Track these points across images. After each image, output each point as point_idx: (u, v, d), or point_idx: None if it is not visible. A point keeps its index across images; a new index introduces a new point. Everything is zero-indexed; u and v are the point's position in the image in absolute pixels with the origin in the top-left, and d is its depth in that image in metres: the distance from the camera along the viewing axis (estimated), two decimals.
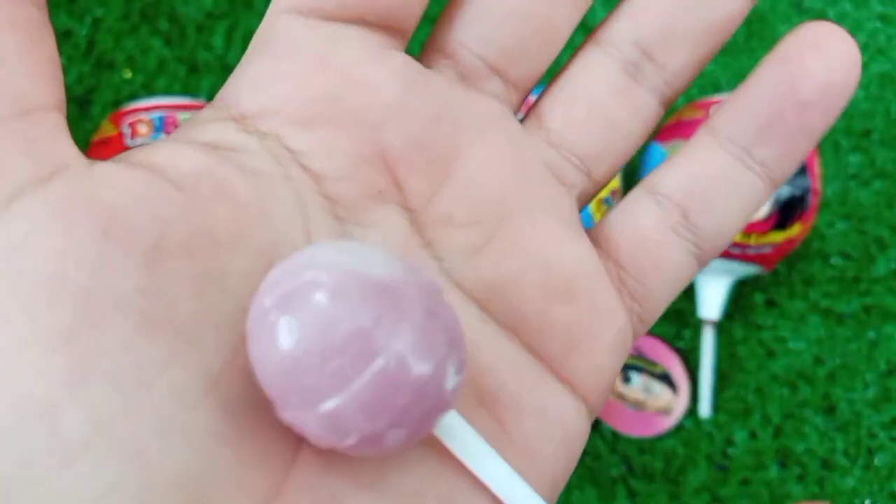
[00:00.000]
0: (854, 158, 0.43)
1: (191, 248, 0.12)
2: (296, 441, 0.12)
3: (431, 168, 0.14)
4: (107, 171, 0.12)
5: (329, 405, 0.11)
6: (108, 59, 0.43)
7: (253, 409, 0.12)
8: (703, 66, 0.16)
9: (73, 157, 0.12)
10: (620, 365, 0.15)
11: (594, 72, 0.15)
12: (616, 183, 0.38)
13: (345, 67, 0.13)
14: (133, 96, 0.42)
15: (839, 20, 0.44)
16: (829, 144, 0.43)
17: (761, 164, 0.15)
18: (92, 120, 0.42)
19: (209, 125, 0.13)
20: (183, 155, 0.12)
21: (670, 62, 0.15)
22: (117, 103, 0.42)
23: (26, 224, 0.11)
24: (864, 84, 0.44)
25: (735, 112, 0.15)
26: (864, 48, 0.44)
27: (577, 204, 0.16)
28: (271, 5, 0.14)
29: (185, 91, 0.43)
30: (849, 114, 0.43)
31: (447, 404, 0.12)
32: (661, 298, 0.16)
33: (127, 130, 0.36)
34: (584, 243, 0.15)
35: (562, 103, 0.15)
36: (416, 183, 0.14)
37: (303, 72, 0.13)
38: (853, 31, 0.44)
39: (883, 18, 0.44)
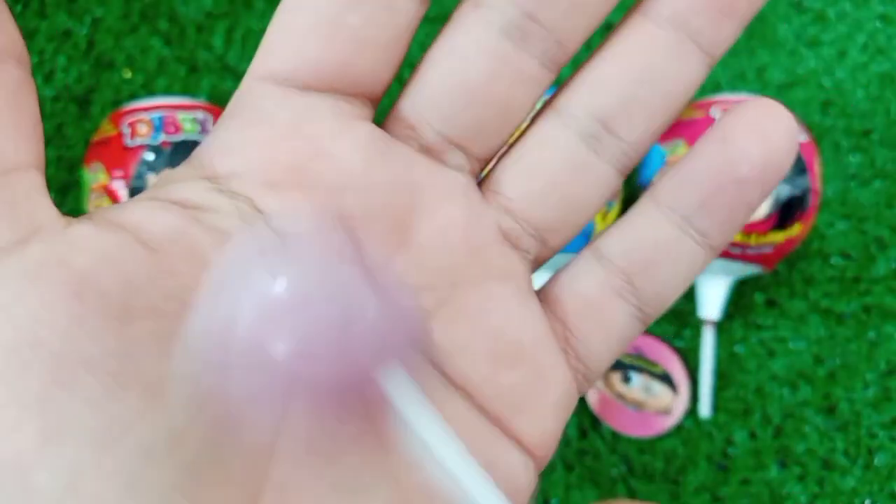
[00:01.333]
0: (854, 158, 0.43)
1: (158, 309, 0.12)
2: (255, 494, 0.13)
3: (386, 235, 0.15)
4: (81, 232, 0.12)
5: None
6: (108, 59, 0.43)
7: (216, 464, 0.12)
8: (661, 133, 0.16)
9: (50, 217, 0.12)
10: (564, 423, 0.16)
11: (552, 144, 0.16)
12: None
13: (312, 137, 0.14)
14: (133, 96, 0.42)
15: (839, 20, 0.44)
16: (830, 144, 0.43)
17: (701, 233, 0.16)
18: (92, 120, 0.42)
19: (184, 183, 0.14)
20: (156, 215, 0.13)
21: (629, 133, 0.16)
22: (117, 103, 0.42)
23: (1, 289, 0.11)
24: (864, 84, 0.44)
25: (677, 183, 0.16)
26: (863, 48, 0.44)
27: (532, 266, 0.17)
28: (249, 71, 0.15)
29: (185, 91, 0.43)
30: (849, 114, 0.43)
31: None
32: (604, 359, 0.17)
33: (127, 130, 0.36)
34: (534, 309, 0.16)
35: (521, 174, 0.16)
36: (372, 248, 0.15)
37: (273, 140, 0.14)
38: (853, 31, 0.44)
39: (883, 18, 0.44)
